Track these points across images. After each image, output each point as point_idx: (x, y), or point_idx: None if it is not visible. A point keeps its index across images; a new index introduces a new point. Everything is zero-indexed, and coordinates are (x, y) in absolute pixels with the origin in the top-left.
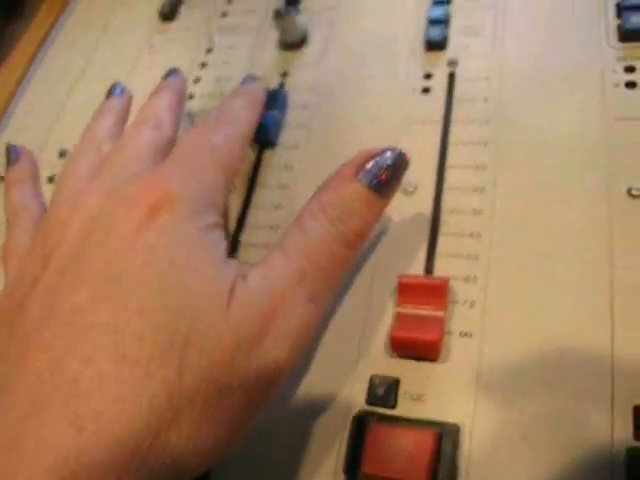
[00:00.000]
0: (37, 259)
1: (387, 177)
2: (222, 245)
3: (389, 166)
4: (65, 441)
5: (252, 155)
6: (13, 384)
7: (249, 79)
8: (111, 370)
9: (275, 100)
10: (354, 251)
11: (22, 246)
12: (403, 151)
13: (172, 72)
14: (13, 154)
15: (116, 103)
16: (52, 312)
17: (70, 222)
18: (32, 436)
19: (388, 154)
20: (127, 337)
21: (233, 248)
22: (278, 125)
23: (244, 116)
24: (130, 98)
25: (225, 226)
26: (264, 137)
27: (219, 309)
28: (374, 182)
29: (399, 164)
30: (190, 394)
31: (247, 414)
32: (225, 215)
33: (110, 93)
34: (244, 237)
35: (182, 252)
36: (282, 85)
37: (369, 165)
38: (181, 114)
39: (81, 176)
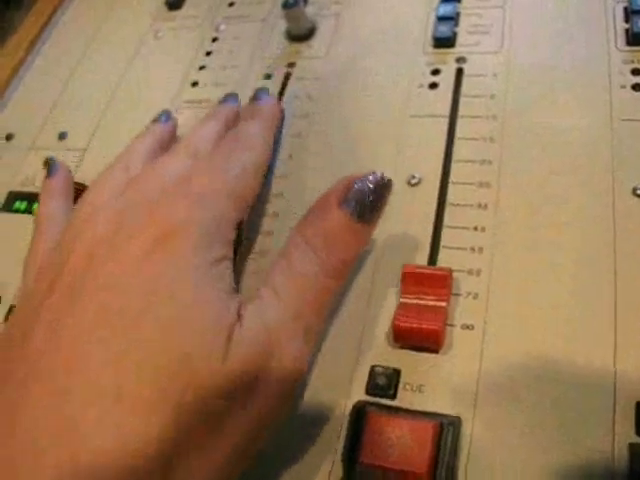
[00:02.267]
0: (46, 281)
1: (370, 203)
2: (226, 280)
3: (371, 191)
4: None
5: None
6: (13, 414)
7: (262, 93)
8: (110, 411)
9: None
10: (342, 280)
11: (40, 259)
12: (384, 175)
13: (228, 97)
14: (52, 168)
15: (158, 128)
16: (53, 344)
17: (74, 248)
18: (25, 473)
19: (370, 178)
20: (126, 375)
21: None
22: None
23: (259, 143)
24: (174, 127)
25: (234, 257)
26: None
27: (217, 354)
28: (357, 209)
29: (381, 188)
30: (186, 436)
31: (243, 453)
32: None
33: (156, 119)
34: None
35: (182, 288)
36: (288, 75)
37: (351, 192)
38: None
39: (99, 197)
